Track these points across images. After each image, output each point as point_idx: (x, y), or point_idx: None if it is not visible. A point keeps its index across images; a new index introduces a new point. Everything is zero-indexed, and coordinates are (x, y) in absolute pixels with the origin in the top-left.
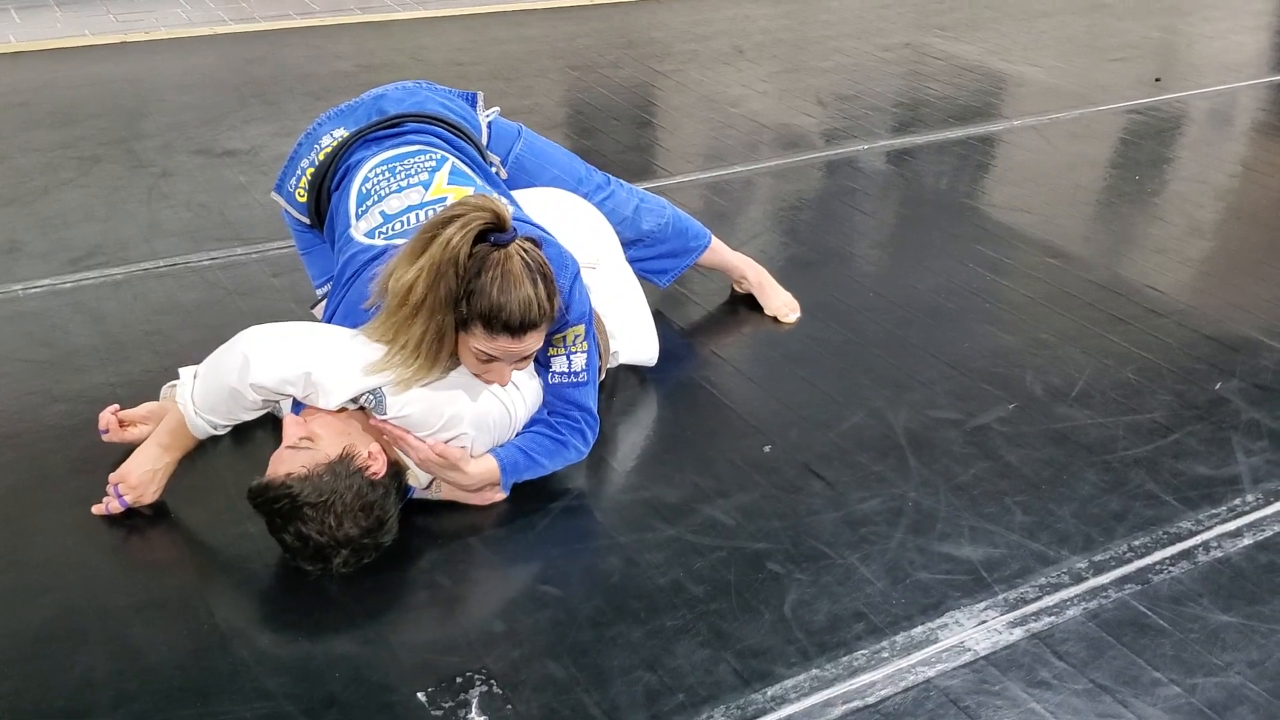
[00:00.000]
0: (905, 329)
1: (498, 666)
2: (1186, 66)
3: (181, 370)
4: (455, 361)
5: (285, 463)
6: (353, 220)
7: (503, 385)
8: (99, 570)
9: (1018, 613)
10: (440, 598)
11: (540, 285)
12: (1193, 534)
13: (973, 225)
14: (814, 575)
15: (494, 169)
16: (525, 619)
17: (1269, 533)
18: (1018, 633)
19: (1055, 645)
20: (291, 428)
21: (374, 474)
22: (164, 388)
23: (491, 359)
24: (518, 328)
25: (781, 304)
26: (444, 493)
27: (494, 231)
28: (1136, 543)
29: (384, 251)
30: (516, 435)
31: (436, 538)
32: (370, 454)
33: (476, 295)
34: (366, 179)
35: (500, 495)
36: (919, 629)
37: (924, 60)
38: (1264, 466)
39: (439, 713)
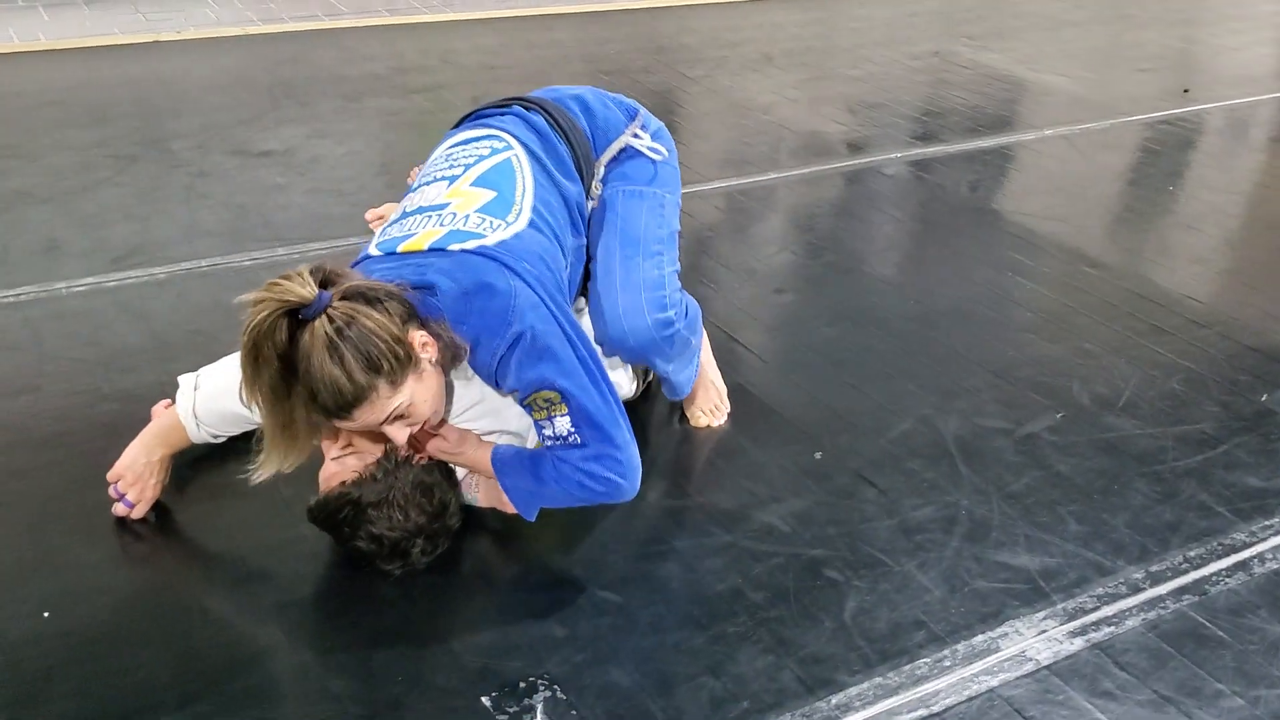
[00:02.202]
0: (949, 337)
1: (560, 671)
2: (1213, 78)
3: (181, 379)
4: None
5: (335, 475)
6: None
7: (400, 443)
8: (154, 571)
9: (1077, 623)
10: (497, 602)
11: (347, 360)
12: (1247, 545)
13: (1009, 234)
14: (872, 583)
15: (591, 192)
16: (585, 624)
17: None
18: (1078, 643)
19: (1116, 655)
20: (330, 441)
21: (420, 459)
22: None
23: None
24: (335, 411)
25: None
26: (481, 499)
27: (300, 308)
28: (1192, 554)
29: (362, 259)
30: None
31: (490, 543)
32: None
33: (296, 383)
34: (434, 161)
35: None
36: (980, 638)
37: (952, 69)
38: None
39: (504, 717)
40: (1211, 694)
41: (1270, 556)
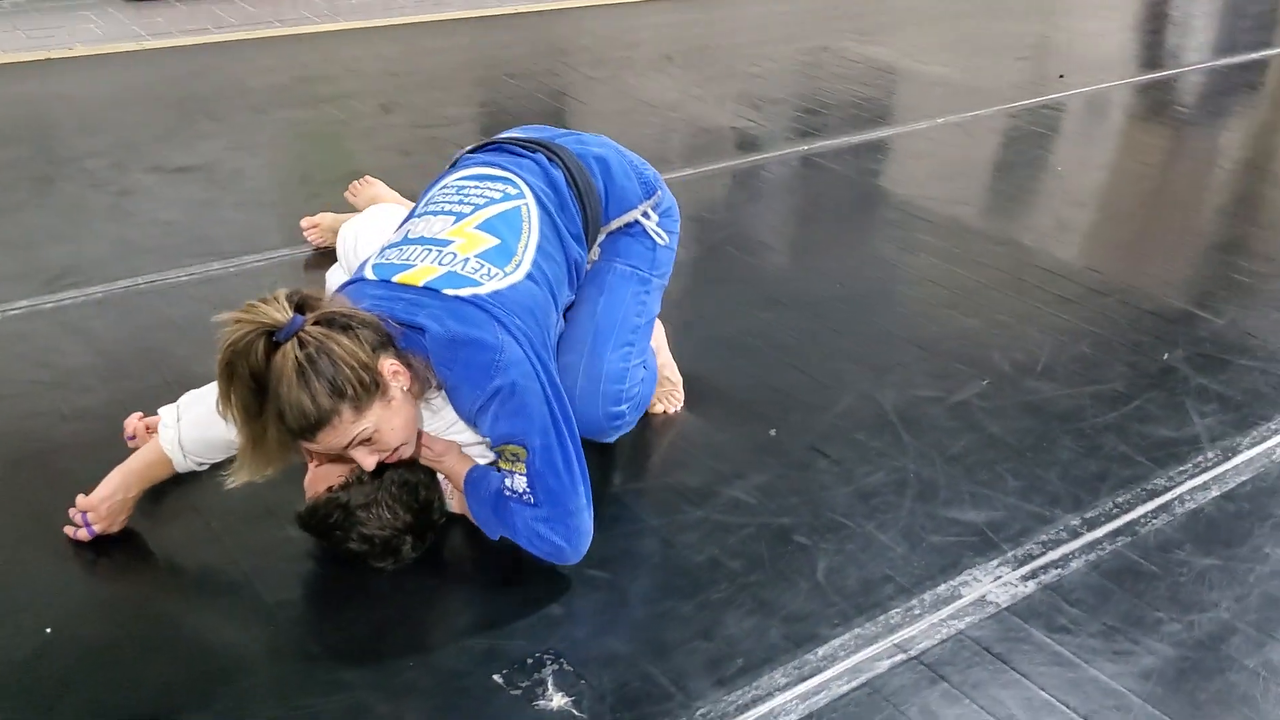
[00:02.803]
0: (875, 316)
1: (563, 646)
2: (1084, 63)
3: (162, 412)
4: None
5: (321, 481)
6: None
7: (367, 469)
8: (147, 582)
9: (1027, 568)
10: (491, 589)
11: (313, 384)
12: (1167, 489)
13: (917, 218)
14: (838, 544)
15: (588, 254)
16: (579, 601)
17: (1231, 485)
18: (1031, 585)
19: (1066, 594)
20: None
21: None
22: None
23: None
24: (300, 432)
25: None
26: (454, 505)
27: (274, 331)
28: (1120, 500)
29: (357, 280)
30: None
31: (476, 534)
32: None
33: (267, 402)
34: (445, 188)
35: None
36: (942, 587)
37: (844, 63)
38: (1217, 426)
39: (517, 692)
40: (1152, 622)
41: (1189, 498)
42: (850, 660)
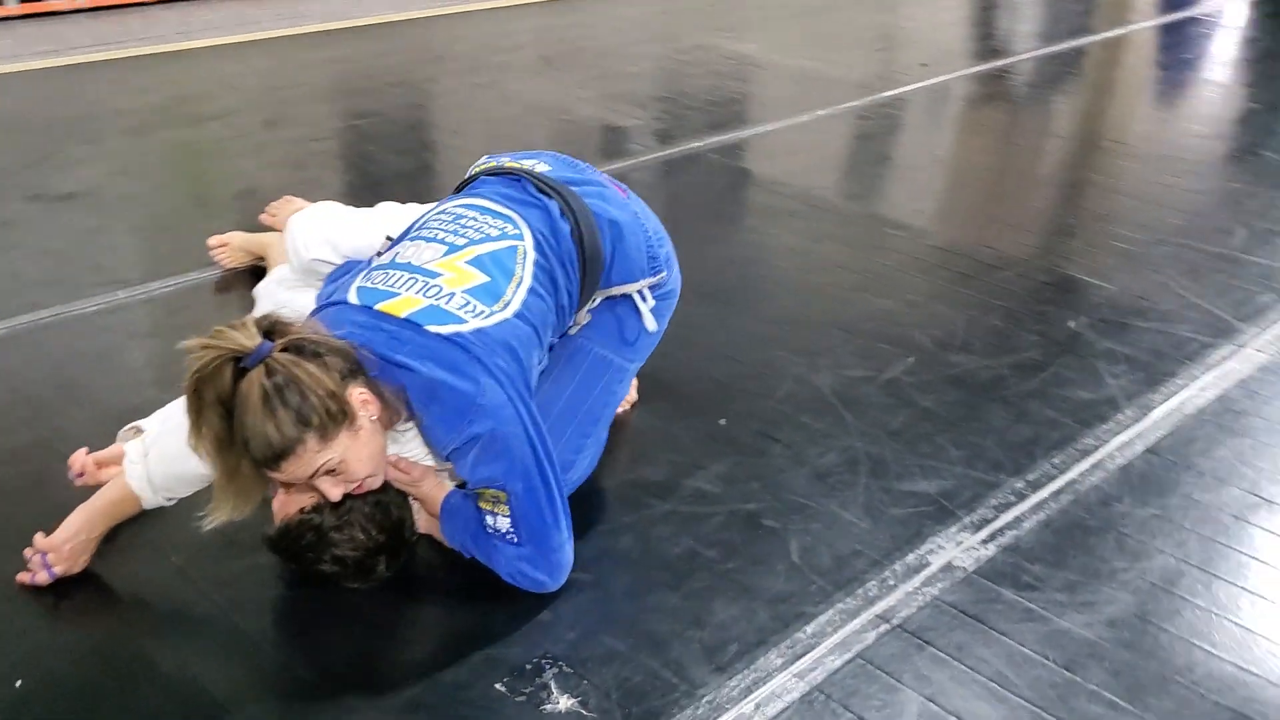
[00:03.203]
0: (796, 303)
1: (559, 649)
2: (942, 51)
3: (127, 448)
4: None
5: (291, 504)
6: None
7: (333, 500)
8: (116, 621)
9: (985, 532)
10: (477, 598)
11: (278, 412)
12: (1096, 448)
13: (813, 208)
14: (804, 525)
15: (578, 318)
16: (567, 604)
17: (1153, 439)
18: (991, 548)
19: (1025, 554)
20: None
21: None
22: (121, 431)
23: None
24: (264, 461)
25: None
26: (421, 525)
27: (242, 358)
28: (1055, 461)
29: (339, 302)
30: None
31: (451, 549)
32: None
33: (235, 430)
34: (443, 213)
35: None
36: (911, 557)
37: (721, 61)
38: (1130, 386)
39: (521, 699)
40: (1109, 571)
41: (1118, 454)
42: (839, 635)
